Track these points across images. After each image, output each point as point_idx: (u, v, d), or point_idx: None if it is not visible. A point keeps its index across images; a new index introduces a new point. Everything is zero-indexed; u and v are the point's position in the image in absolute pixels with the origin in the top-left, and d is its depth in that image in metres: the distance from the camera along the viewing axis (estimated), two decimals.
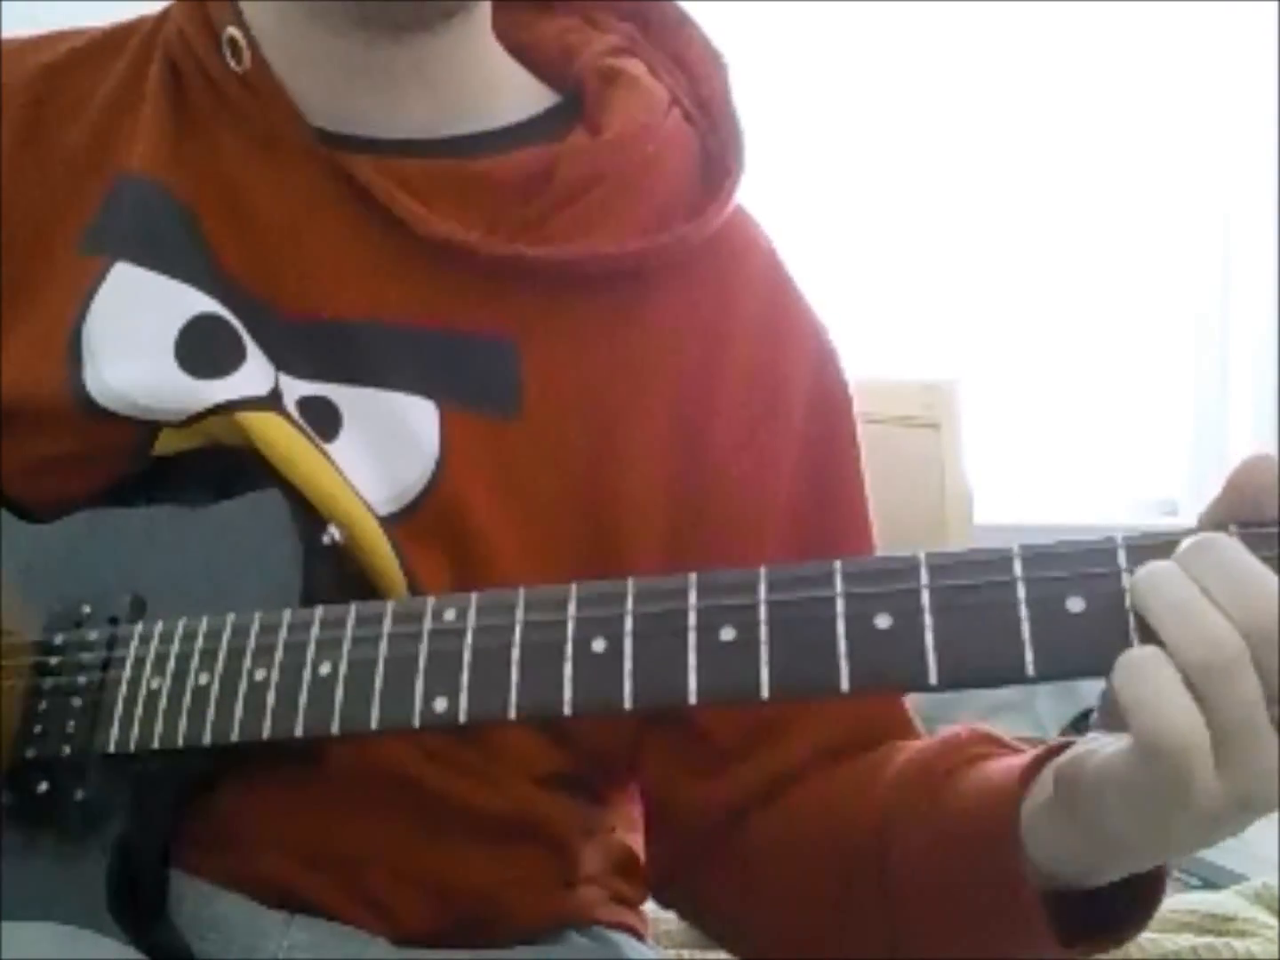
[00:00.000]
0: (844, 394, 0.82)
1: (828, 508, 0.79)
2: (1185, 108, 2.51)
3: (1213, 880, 1.26)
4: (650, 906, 0.87)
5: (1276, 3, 2.35)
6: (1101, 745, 0.56)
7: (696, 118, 0.82)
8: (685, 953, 1.11)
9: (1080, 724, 1.61)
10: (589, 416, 0.76)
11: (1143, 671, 0.52)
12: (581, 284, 0.77)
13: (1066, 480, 2.48)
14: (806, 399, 0.80)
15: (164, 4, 0.85)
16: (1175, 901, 1.18)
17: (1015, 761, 0.65)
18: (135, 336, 0.75)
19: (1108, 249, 2.52)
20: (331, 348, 0.76)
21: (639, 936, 0.84)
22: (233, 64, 0.78)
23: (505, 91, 0.83)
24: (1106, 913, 0.63)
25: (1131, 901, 0.62)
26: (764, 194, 0.84)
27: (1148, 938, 1.09)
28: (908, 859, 0.68)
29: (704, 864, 0.78)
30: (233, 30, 0.78)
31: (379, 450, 0.74)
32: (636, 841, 0.83)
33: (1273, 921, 1.13)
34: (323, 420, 0.74)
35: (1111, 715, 0.55)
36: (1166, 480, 2.52)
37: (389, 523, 0.72)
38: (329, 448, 0.73)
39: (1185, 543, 0.53)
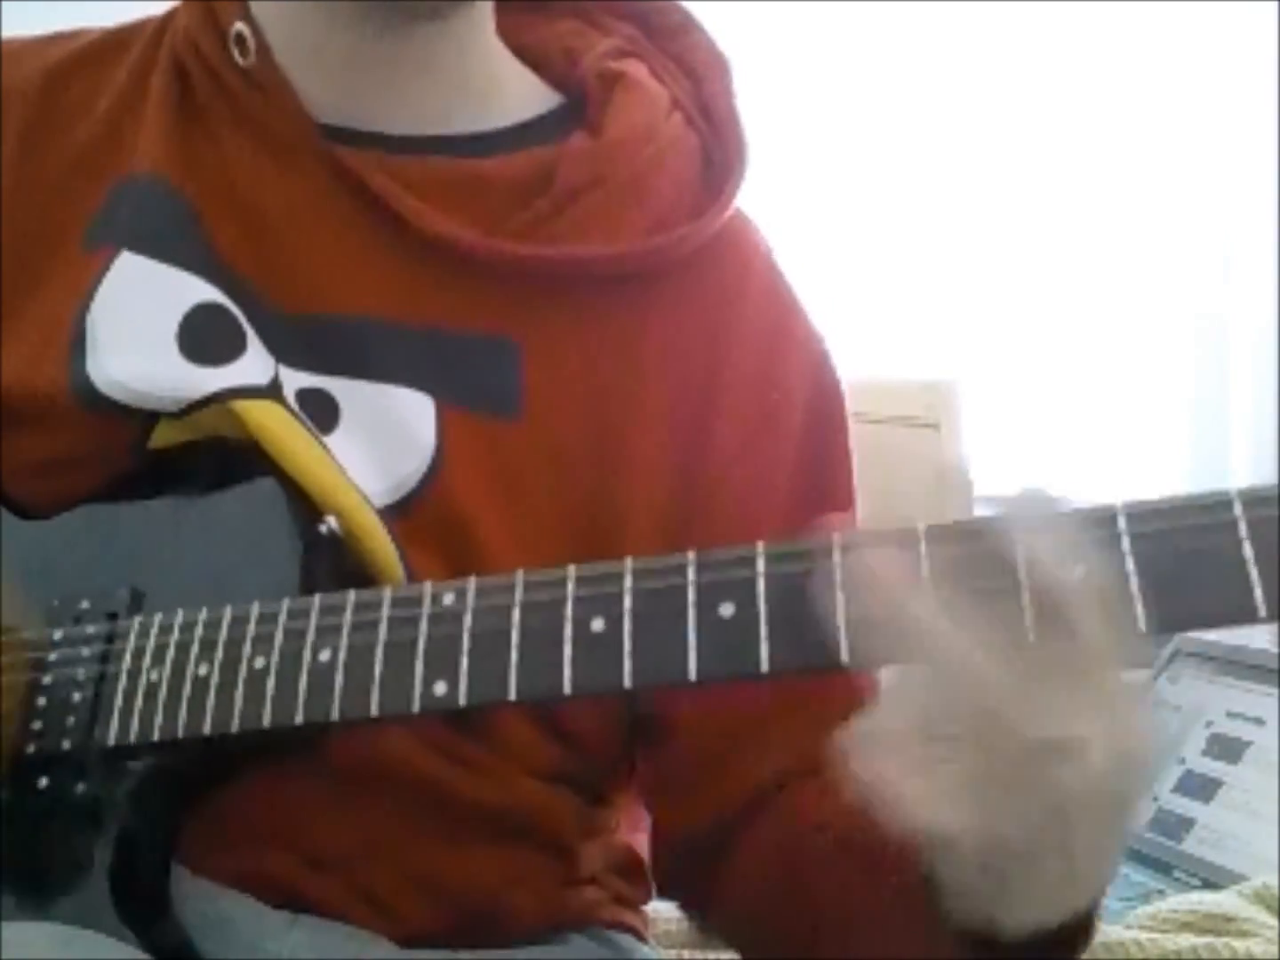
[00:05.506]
0: (839, 398, 0.82)
1: (822, 513, 0.79)
2: (1185, 110, 2.51)
3: (1213, 880, 1.26)
4: (650, 906, 0.87)
5: (1276, 3, 2.35)
6: None
7: (698, 121, 0.82)
8: (685, 953, 1.11)
9: None
10: (589, 419, 0.76)
11: None
12: (582, 286, 0.77)
13: (1066, 480, 2.48)
14: (805, 404, 0.80)
15: (168, 3, 0.85)
16: (1175, 901, 1.17)
17: None
18: (138, 324, 0.76)
19: (1108, 249, 2.52)
20: (330, 342, 0.76)
21: (640, 937, 0.84)
22: (239, 59, 0.78)
23: (508, 90, 0.83)
24: None
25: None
26: (765, 195, 0.84)
27: (1148, 938, 1.09)
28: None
29: (700, 872, 0.78)
30: (240, 25, 0.78)
31: (376, 443, 0.74)
32: (638, 841, 0.83)
33: (1273, 921, 1.13)
34: (320, 412, 0.74)
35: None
36: (1167, 480, 2.52)
37: (385, 515, 0.73)
38: (326, 440, 0.73)
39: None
